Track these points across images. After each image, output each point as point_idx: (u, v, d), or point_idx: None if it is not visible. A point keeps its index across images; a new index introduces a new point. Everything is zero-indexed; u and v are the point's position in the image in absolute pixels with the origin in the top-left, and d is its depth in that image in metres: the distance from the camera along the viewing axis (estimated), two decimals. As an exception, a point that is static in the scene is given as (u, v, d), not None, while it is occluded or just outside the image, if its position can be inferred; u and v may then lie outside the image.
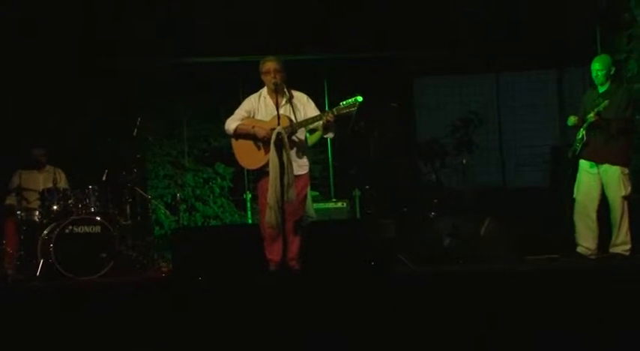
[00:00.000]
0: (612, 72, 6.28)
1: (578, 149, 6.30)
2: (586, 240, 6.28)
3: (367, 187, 7.80)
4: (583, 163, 6.34)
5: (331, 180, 8.66)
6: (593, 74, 6.30)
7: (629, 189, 6.16)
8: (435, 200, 7.73)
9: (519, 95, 6.77)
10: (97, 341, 3.21)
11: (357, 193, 7.79)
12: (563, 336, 2.92)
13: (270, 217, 5.19)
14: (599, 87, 6.31)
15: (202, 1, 7.92)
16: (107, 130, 8.20)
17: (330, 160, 8.65)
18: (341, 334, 3.17)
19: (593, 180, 6.26)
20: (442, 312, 3.56)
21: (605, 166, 6.19)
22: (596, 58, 6.35)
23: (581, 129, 6.23)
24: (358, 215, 7.74)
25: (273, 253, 5.43)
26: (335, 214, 7.37)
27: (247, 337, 3.19)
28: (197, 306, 4.13)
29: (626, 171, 6.17)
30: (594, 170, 6.26)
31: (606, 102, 6.04)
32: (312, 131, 5.95)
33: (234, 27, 8.10)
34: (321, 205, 7.21)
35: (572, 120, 6.36)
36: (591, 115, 6.10)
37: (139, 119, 7.39)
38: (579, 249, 6.31)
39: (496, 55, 8.55)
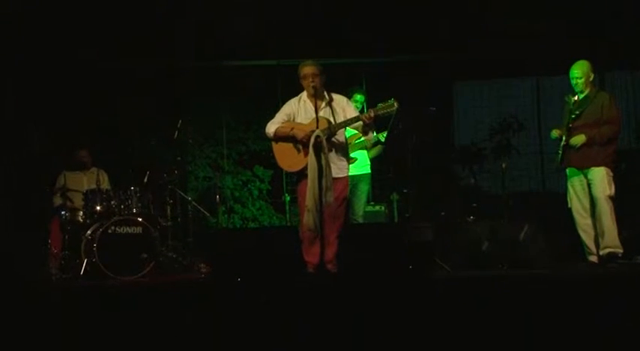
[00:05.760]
0: (592, 78, 6.18)
1: (560, 156, 6.24)
2: (593, 248, 6.17)
3: (405, 190, 7.79)
4: (568, 172, 6.28)
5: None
6: (573, 82, 6.20)
7: (614, 190, 6.05)
8: (474, 204, 7.69)
9: (559, 99, 6.68)
10: (137, 341, 3.28)
11: (395, 196, 7.78)
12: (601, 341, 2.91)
13: (308, 219, 5.19)
14: (579, 94, 6.20)
15: (241, 4, 8.00)
16: (149, 133, 8.34)
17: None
18: (378, 337, 3.18)
19: (580, 186, 6.20)
20: (480, 316, 3.55)
21: (591, 169, 6.12)
22: (574, 65, 6.21)
23: (563, 136, 6.19)
24: (396, 219, 7.73)
25: (311, 255, 5.45)
26: (373, 217, 7.38)
27: (284, 338, 3.23)
28: (235, 307, 4.18)
29: (611, 173, 6.08)
30: (580, 176, 6.20)
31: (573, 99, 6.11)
32: (374, 144, 6.16)
33: (272, 30, 8.16)
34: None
35: (554, 134, 6.30)
36: (571, 119, 6.10)
37: (180, 122, 7.51)
38: (591, 258, 6.17)
39: (536, 59, 8.49)
